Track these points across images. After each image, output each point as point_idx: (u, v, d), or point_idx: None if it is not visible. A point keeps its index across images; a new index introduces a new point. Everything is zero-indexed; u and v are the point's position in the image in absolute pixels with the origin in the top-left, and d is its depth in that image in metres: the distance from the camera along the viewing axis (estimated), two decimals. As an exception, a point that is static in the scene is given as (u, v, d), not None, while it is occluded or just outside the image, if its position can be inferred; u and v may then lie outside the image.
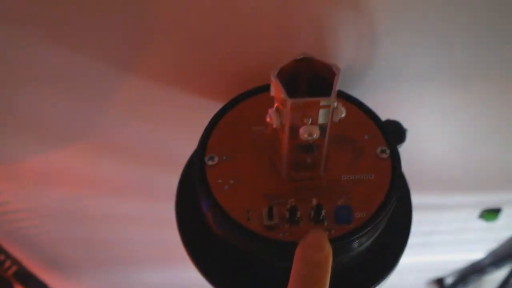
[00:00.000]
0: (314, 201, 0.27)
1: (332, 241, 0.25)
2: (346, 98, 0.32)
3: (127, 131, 0.39)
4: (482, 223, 0.55)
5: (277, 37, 0.31)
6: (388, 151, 0.29)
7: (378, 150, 0.29)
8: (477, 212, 0.54)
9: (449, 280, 0.72)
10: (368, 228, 0.27)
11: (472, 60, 0.33)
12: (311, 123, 0.24)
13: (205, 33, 0.30)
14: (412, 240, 0.32)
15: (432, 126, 0.41)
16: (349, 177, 0.28)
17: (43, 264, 0.57)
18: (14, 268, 0.54)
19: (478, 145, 0.43)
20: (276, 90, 0.24)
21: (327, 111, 0.24)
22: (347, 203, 0.27)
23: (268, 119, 0.25)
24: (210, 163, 0.29)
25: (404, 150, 0.32)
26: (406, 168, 0.31)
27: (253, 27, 0.30)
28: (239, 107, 0.31)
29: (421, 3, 0.29)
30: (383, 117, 0.32)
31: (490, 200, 0.52)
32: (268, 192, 0.28)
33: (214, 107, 0.32)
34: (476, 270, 0.64)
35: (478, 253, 0.64)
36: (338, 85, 0.23)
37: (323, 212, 0.27)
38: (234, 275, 0.30)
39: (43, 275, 0.56)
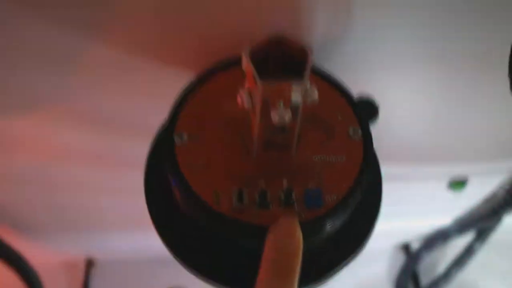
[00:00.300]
0: (285, 183, 0.27)
1: (302, 225, 0.25)
2: (318, 74, 0.31)
3: (94, 98, 0.37)
4: (449, 193, 0.56)
5: (251, 7, 0.30)
6: (360, 132, 0.29)
7: (350, 130, 0.29)
8: (445, 182, 0.55)
9: (415, 245, 0.74)
10: (339, 212, 0.26)
11: (441, 39, 0.33)
12: (283, 106, 0.23)
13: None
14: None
15: (402, 100, 0.41)
16: (321, 158, 0.28)
17: (8, 227, 0.56)
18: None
19: (446, 119, 0.44)
20: (248, 71, 0.23)
21: (299, 94, 0.23)
22: (318, 185, 0.27)
23: (239, 100, 0.24)
24: (179, 142, 0.28)
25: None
26: (375, 140, 0.31)
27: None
28: (209, 82, 0.30)
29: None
30: (354, 91, 0.31)
31: (457, 171, 0.53)
32: (238, 173, 0.27)
33: (186, 76, 0.31)
34: (441, 236, 0.66)
35: (444, 220, 0.65)
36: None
37: (293, 196, 0.26)
38: (201, 253, 0.29)
39: (8, 237, 0.55)
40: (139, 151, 0.35)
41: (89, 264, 0.68)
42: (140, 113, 0.39)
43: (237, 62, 0.30)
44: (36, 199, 0.51)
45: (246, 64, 0.23)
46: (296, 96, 0.23)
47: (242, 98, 0.24)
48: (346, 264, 0.30)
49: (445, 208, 0.62)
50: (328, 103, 0.30)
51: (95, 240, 0.64)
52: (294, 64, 0.24)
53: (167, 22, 0.30)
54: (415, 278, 0.73)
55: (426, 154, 0.49)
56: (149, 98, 0.37)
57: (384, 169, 0.36)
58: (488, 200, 0.58)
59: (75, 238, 0.62)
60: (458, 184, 0.55)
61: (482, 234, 0.63)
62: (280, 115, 0.23)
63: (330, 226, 0.27)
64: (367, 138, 0.29)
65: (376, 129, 0.32)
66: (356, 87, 0.31)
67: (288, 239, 0.24)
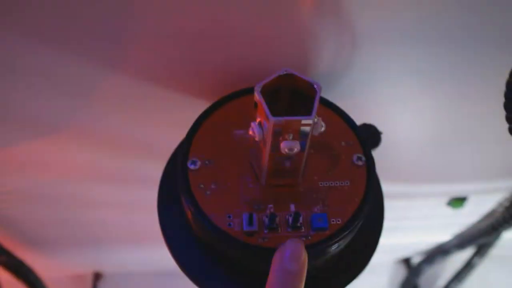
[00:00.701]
0: (292, 208, 0.29)
1: (308, 247, 0.27)
2: (323, 103, 0.33)
3: (111, 124, 0.39)
4: (449, 210, 0.58)
5: (262, 42, 0.31)
6: (363, 158, 0.30)
7: (354, 157, 0.30)
8: (445, 200, 0.56)
9: (415, 260, 0.75)
10: (343, 234, 0.28)
11: (441, 70, 0.34)
12: (292, 139, 0.25)
13: (192, 33, 0.30)
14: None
15: (404, 125, 0.42)
16: (326, 184, 0.30)
17: (19, 241, 0.57)
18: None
19: (446, 142, 0.45)
20: (259, 106, 0.25)
21: (308, 127, 0.25)
22: (323, 210, 0.28)
23: (250, 132, 0.26)
24: (192, 167, 0.29)
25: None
26: (379, 161, 0.32)
27: (239, 32, 0.31)
28: (222, 110, 0.32)
29: (396, 13, 0.30)
30: (358, 118, 0.33)
31: (457, 189, 0.54)
32: (249, 198, 0.29)
33: (199, 104, 0.32)
34: (441, 251, 0.67)
35: (444, 236, 0.66)
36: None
37: (301, 219, 0.28)
38: (212, 274, 0.31)
39: (19, 252, 0.57)
40: (150, 171, 0.37)
41: (97, 277, 0.69)
42: (154, 137, 0.41)
43: (248, 91, 0.32)
44: (46, 215, 0.53)
45: (258, 99, 0.24)
46: (304, 129, 0.25)
47: (254, 130, 0.26)
48: (349, 282, 0.31)
49: (445, 225, 0.63)
50: (333, 130, 0.31)
51: (103, 254, 0.65)
52: (303, 99, 0.26)
53: (184, 53, 0.32)
54: (416, 292, 0.74)
55: (427, 174, 0.50)
56: (164, 125, 0.39)
57: (387, 188, 0.37)
58: (487, 217, 0.60)
59: (84, 252, 0.64)
60: (457, 201, 0.56)
61: (482, 250, 0.65)
62: (289, 147, 0.25)
63: (335, 248, 0.29)
64: (370, 164, 0.30)
65: (380, 151, 0.34)
66: (360, 115, 0.33)
67: (292, 261, 0.26)
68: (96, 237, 0.60)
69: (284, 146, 0.25)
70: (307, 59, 0.32)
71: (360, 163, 0.30)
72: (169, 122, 0.39)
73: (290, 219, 0.28)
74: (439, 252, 0.68)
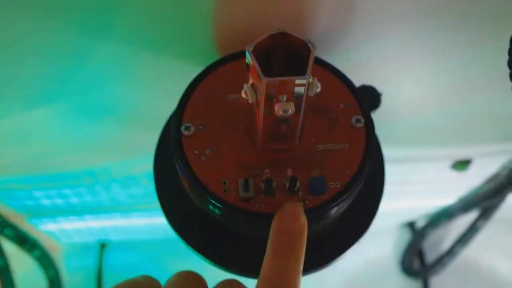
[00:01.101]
0: (289, 172, 0.28)
1: (306, 211, 0.26)
2: (321, 65, 0.32)
3: (105, 91, 0.38)
4: (454, 173, 0.57)
5: (255, 1, 0.30)
6: (362, 120, 0.29)
7: (353, 119, 0.30)
8: (449, 163, 0.55)
9: (419, 224, 0.75)
10: (342, 198, 0.27)
11: (444, 28, 0.33)
12: (286, 100, 0.24)
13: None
14: (384, 188, 0.33)
15: (406, 86, 0.41)
16: (324, 147, 0.29)
17: (20, 213, 0.57)
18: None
19: (451, 102, 0.44)
20: (252, 67, 0.24)
21: (302, 88, 0.24)
22: (321, 174, 0.28)
23: (243, 95, 0.25)
24: (186, 133, 0.29)
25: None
26: (380, 124, 0.31)
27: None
28: (215, 75, 0.31)
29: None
30: (356, 80, 0.32)
31: (461, 152, 0.53)
32: (244, 163, 0.28)
33: (192, 71, 0.31)
34: (446, 214, 0.67)
35: (449, 200, 0.66)
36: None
37: (298, 184, 0.27)
38: (208, 240, 0.30)
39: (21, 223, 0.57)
40: (145, 140, 0.36)
41: (102, 246, 0.70)
42: (148, 106, 0.40)
43: (241, 54, 0.31)
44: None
45: (250, 60, 0.23)
46: (299, 90, 0.24)
47: (247, 93, 0.25)
48: (350, 247, 0.31)
49: (449, 188, 0.62)
50: (330, 92, 0.30)
51: (108, 222, 0.65)
52: (298, 56, 0.25)
53: (175, 17, 0.31)
54: (420, 255, 0.74)
55: (430, 137, 0.49)
56: (157, 93, 0.38)
57: (389, 152, 0.37)
58: (491, 180, 0.59)
59: (90, 221, 0.64)
60: (462, 164, 0.55)
61: (486, 212, 0.64)
62: (283, 108, 0.24)
63: (333, 212, 0.28)
64: (369, 126, 0.29)
65: (380, 115, 0.33)
66: (358, 77, 0.32)
67: (292, 222, 0.25)
68: (101, 205, 0.60)
69: (278, 108, 0.24)
70: (303, 19, 0.31)
71: (359, 125, 0.29)
72: (162, 90, 0.38)
73: (287, 184, 0.27)
74: (444, 216, 0.68)
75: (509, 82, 0.28)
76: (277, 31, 0.24)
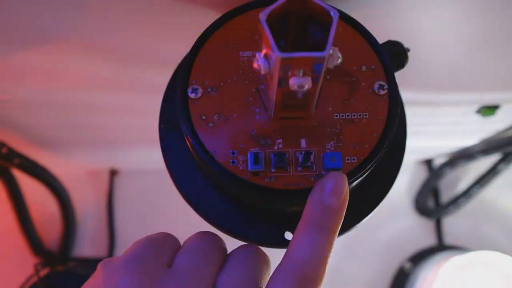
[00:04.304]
0: (303, 143, 0.26)
1: None
2: (342, 19, 0.28)
3: (112, 34, 0.36)
4: (479, 117, 0.54)
5: None
6: (386, 87, 0.27)
7: (376, 85, 0.27)
8: (475, 108, 0.52)
9: (438, 162, 0.73)
10: (358, 175, 0.25)
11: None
12: (303, 75, 0.22)
13: None
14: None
15: (432, 31, 0.38)
16: (342, 116, 0.26)
17: (32, 145, 0.57)
18: (4, 150, 0.54)
19: (478, 47, 0.41)
20: (265, 38, 0.21)
21: (321, 64, 0.21)
22: (337, 147, 0.26)
23: (255, 65, 0.23)
24: (193, 96, 0.26)
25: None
26: (406, 67, 0.29)
27: None
28: (227, 27, 0.28)
29: None
30: (378, 31, 0.28)
31: (488, 98, 0.50)
32: (256, 131, 0.26)
33: (206, 14, 0.29)
34: (465, 155, 0.65)
35: (470, 141, 0.64)
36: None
37: (312, 158, 0.25)
38: (215, 206, 0.29)
39: (32, 154, 0.56)
40: (155, 79, 0.34)
41: (113, 173, 0.69)
42: (158, 46, 0.38)
43: (258, 4, 0.28)
44: (55, 120, 0.51)
45: (263, 30, 0.21)
46: (317, 67, 0.21)
47: (259, 63, 0.22)
48: (366, 216, 0.29)
49: (473, 131, 0.60)
50: (352, 52, 0.27)
51: (118, 154, 0.65)
52: (317, 23, 0.22)
53: None
54: (435, 194, 0.73)
55: (456, 82, 0.47)
56: (168, 34, 0.36)
57: (412, 95, 0.34)
58: (517, 125, 0.57)
59: (98, 151, 0.64)
60: (489, 109, 0.52)
61: (508, 157, 0.62)
62: (299, 84, 0.22)
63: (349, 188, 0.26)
64: (393, 94, 0.27)
65: (409, 56, 0.30)
66: (380, 27, 0.29)
67: (333, 196, 0.23)
68: (109, 138, 0.59)
69: (293, 83, 0.22)
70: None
71: (381, 92, 0.27)
72: (173, 31, 0.35)
73: (300, 158, 0.25)
74: (463, 156, 0.65)
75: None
76: (295, -4, 0.21)
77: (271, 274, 0.23)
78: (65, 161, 0.64)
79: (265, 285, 0.24)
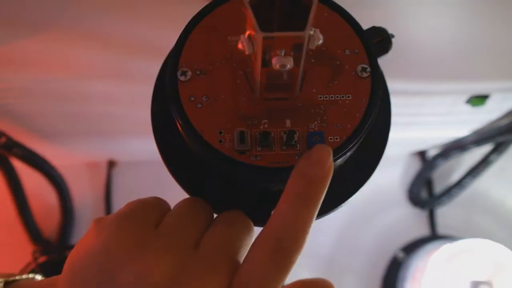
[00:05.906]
0: (288, 123, 0.27)
1: None
2: (328, 5, 0.29)
3: (108, 22, 0.37)
4: (469, 107, 0.55)
5: None
6: (369, 70, 0.28)
7: (359, 68, 0.28)
8: (464, 98, 0.53)
9: (431, 153, 0.74)
10: (340, 154, 0.26)
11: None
12: (285, 54, 0.23)
13: None
14: (396, 119, 0.32)
15: (424, 17, 0.39)
16: (326, 98, 0.27)
17: (31, 135, 0.57)
18: (3, 139, 0.55)
19: (468, 36, 0.42)
20: (248, 19, 0.22)
21: (302, 42, 0.22)
22: (321, 127, 0.27)
23: (239, 46, 0.24)
24: (182, 78, 0.27)
25: (394, 40, 0.30)
26: (394, 58, 0.29)
27: None
28: (216, 13, 0.29)
29: None
30: (365, 18, 0.29)
31: (477, 88, 0.51)
32: (242, 112, 0.27)
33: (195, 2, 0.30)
34: (458, 146, 0.66)
35: (462, 132, 0.64)
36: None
37: (296, 137, 0.26)
38: (202, 184, 0.30)
39: (31, 144, 0.57)
40: (148, 67, 0.35)
41: (111, 164, 0.70)
42: (151, 34, 0.38)
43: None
44: (53, 109, 0.52)
45: (246, 11, 0.22)
46: (298, 45, 0.22)
47: (243, 44, 0.23)
48: (348, 198, 0.30)
49: (464, 121, 0.61)
50: (336, 36, 0.28)
51: (116, 145, 0.66)
52: (302, 4, 0.23)
53: None
54: (428, 185, 0.74)
55: (445, 72, 0.47)
56: (160, 22, 0.36)
57: (402, 86, 0.35)
58: (508, 115, 0.57)
59: (96, 142, 0.64)
60: (478, 99, 0.53)
61: (500, 147, 0.63)
62: (281, 63, 0.23)
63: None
64: (375, 77, 0.28)
65: (396, 49, 0.31)
66: (367, 14, 0.29)
67: (317, 167, 0.24)
68: (107, 129, 0.60)
69: (275, 62, 0.23)
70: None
71: (364, 74, 0.28)
72: (164, 19, 0.36)
73: (285, 137, 0.26)
74: (456, 147, 0.67)
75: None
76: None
77: (253, 240, 0.24)
78: (64, 152, 0.64)
79: (246, 249, 0.25)
